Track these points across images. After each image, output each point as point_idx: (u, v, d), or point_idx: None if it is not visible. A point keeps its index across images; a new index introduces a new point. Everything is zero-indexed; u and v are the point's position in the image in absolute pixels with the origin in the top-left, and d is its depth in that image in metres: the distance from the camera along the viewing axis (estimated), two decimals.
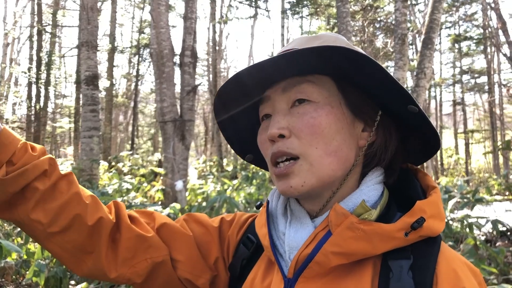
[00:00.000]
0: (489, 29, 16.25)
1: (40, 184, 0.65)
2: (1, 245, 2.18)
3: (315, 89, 0.63)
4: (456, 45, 19.09)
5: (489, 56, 18.47)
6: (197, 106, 20.31)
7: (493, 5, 13.10)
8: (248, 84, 0.65)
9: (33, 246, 2.86)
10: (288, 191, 0.62)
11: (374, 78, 0.60)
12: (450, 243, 3.15)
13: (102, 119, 12.41)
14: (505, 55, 13.41)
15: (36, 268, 2.34)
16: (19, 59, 22.02)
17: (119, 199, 4.31)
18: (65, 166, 8.45)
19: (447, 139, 22.84)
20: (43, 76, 13.29)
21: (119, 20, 17.56)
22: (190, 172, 6.88)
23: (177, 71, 5.50)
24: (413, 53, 16.61)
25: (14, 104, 17.29)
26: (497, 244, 4.16)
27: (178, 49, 5.46)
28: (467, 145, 18.93)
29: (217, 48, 17.52)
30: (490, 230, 4.24)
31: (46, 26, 14.34)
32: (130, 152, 10.45)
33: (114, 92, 16.69)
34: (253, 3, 15.57)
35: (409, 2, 7.91)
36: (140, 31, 15.93)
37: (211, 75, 17.35)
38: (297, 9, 15.07)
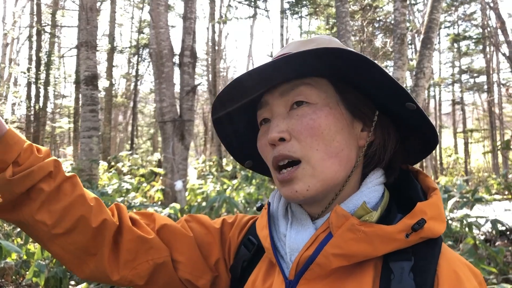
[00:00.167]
0: (488, 29, 16.27)
1: (45, 185, 0.66)
2: (1, 245, 2.18)
3: (313, 91, 0.63)
4: (455, 45, 19.12)
5: (488, 56, 18.52)
6: (197, 106, 20.29)
7: (492, 4, 13.10)
8: (245, 87, 0.65)
9: (33, 247, 2.86)
10: (293, 196, 0.62)
11: (370, 76, 0.60)
12: (450, 242, 3.15)
13: (101, 119, 12.39)
14: (504, 54, 13.41)
15: (36, 269, 2.34)
16: (19, 59, 22.00)
17: (118, 199, 4.30)
18: (64, 166, 8.43)
19: (446, 138, 22.83)
20: (43, 76, 13.28)
21: (119, 20, 17.56)
22: (190, 172, 6.88)
23: (177, 71, 5.50)
24: (412, 52, 16.64)
25: (14, 104, 17.24)
26: (497, 243, 4.16)
27: (177, 49, 5.47)
28: (466, 144, 18.96)
29: (216, 48, 17.51)
30: (490, 230, 4.24)
31: (45, 26, 14.31)
32: (130, 152, 10.42)
33: (113, 92, 16.66)
34: (252, 3, 15.56)
35: (408, 2, 7.91)
36: (140, 31, 15.92)
37: (210, 75, 17.35)
38: (296, 9, 15.08)
